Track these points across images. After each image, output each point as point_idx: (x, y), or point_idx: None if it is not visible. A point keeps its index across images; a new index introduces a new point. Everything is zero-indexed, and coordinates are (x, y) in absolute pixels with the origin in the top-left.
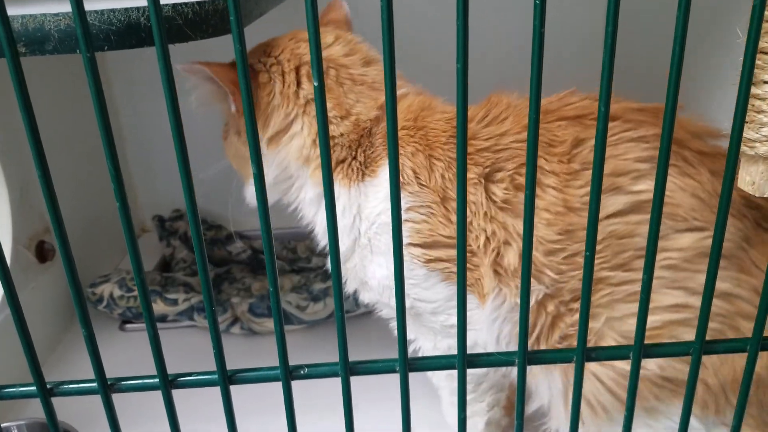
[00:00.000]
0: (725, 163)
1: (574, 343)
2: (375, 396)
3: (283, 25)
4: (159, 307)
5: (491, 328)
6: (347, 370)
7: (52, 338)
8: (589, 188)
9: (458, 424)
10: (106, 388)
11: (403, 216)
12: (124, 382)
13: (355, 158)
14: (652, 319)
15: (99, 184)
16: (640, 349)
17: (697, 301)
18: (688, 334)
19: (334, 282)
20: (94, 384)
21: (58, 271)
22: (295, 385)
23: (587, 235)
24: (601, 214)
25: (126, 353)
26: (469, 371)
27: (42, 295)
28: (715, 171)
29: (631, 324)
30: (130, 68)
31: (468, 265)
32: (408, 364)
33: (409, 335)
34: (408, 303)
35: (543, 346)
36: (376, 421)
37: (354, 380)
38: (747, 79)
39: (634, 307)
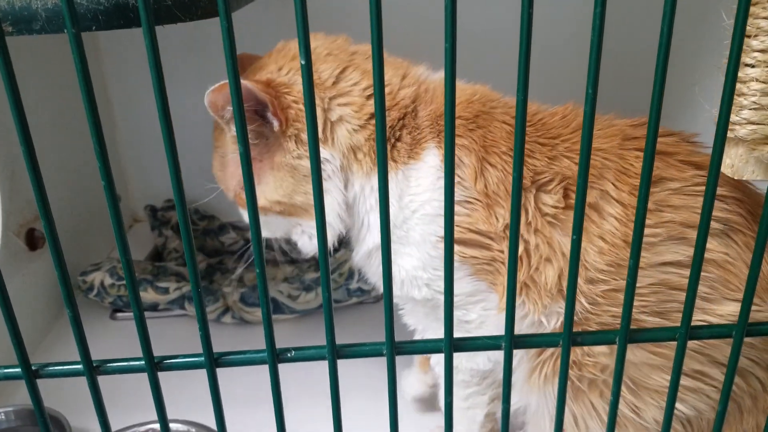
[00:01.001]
0: (713, 149)
1: (583, 371)
2: (365, 381)
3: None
4: (150, 295)
5: None
6: (334, 353)
7: (43, 326)
8: (658, 230)
9: (445, 408)
10: (92, 370)
11: None
12: (110, 365)
13: (399, 140)
14: (664, 377)
15: (92, 172)
16: (626, 334)
17: (717, 374)
18: (700, 403)
19: (321, 266)
20: (80, 366)
21: (48, 259)
22: (285, 370)
23: (574, 222)
24: (659, 259)
25: (117, 342)
26: (474, 368)
27: (32, 282)
28: None
29: (647, 373)
30: (123, 57)
31: (497, 266)
32: (395, 348)
33: (418, 326)
34: (429, 294)
35: (548, 368)
36: (365, 405)
37: (344, 365)
38: (734, 64)
39: (658, 360)
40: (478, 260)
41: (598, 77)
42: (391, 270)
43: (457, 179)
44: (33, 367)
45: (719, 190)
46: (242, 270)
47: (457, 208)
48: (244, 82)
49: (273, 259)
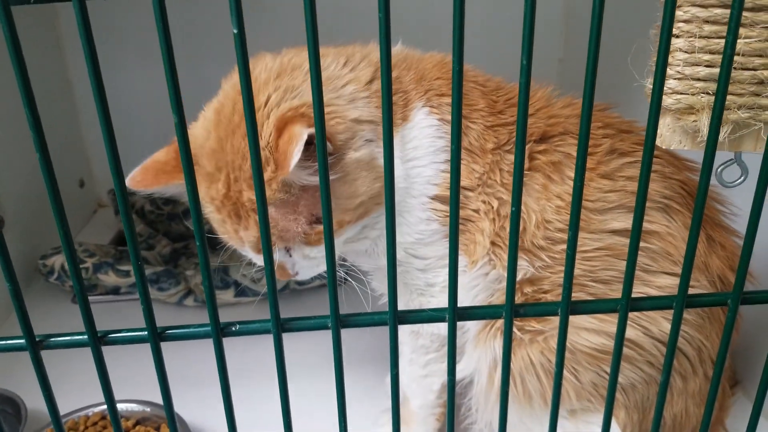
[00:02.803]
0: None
1: (524, 323)
2: (316, 359)
3: None
4: (111, 278)
5: (468, 294)
6: (279, 326)
7: (5, 307)
8: (611, 196)
9: (391, 380)
10: (35, 344)
11: (443, 166)
12: (53, 339)
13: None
14: (599, 341)
15: (53, 155)
16: (567, 305)
17: (650, 346)
18: (632, 373)
19: (262, 234)
20: (23, 341)
21: (8, 241)
22: (237, 346)
23: (513, 188)
24: (608, 227)
25: (78, 326)
26: (436, 332)
27: None
28: (710, 236)
29: (585, 337)
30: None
31: (469, 226)
32: (339, 321)
33: (383, 289)
34: (403, 257)
35: (499, 322)
36: (315, 382)
37: (294, 342)
38: (666, 39)
39: (596, 324)
40: (457, 220)
41: (531, 49)
42: (333, 239)
43: (448, 137)
44: None
45: (665, 170)
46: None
47: (444, 166)
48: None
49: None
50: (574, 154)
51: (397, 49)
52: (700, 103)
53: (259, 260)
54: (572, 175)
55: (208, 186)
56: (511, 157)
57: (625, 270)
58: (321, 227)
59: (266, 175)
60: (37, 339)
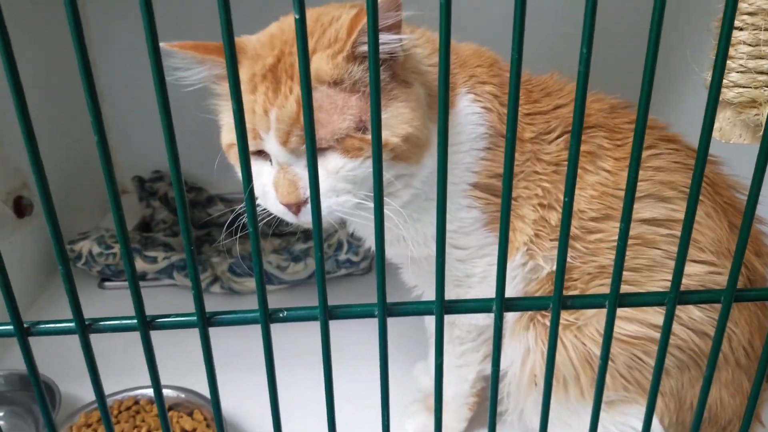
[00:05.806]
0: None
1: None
2: (358, 347)
3: None
4: (138, 264)
5: (509, 285)
6: (326, 313)
7: (30, 294)
8: (641, 186)
9: (435, 370)
10: (84, 328)
11: (481, 154)
12: (102, 323)
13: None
14: (632, 328)
15: (80, 142)
16: (615, 298)
17: (679, 331)
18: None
19: (314, 231)
20: (72, 324)
21: (36, 227)
22: (276, 335)
23: (566, 179)
24: (639, 216)
25: (106, 311)
26: (473, 322)
27: (19, 250)
28: (732, 223)
29: (619, 325)
30: (109, 25)
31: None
32: (386, 309)
33: (416, 281)
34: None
35: (529, 313)
36: (358, 370)
37: (336, 330)
38: (728, 27)
39: (629, 312)
40: (497, 208)
41: (592, 39)
42: (383, 226)
43: (488, 125)
44: (25, 325)
45: (687, 162)
46: (230, 241)
47: (483, 153)
48: None
49: (261, 232)
50: (606, 145)
51: (430, 33)
52: (763, 97)
53: (280, 153)
54: (605, 165)
55: (249, 67)
56: (549, 147)
57: (675, 263)
58: (366, 137)
59: (335, 47)
60: (86, 323)
